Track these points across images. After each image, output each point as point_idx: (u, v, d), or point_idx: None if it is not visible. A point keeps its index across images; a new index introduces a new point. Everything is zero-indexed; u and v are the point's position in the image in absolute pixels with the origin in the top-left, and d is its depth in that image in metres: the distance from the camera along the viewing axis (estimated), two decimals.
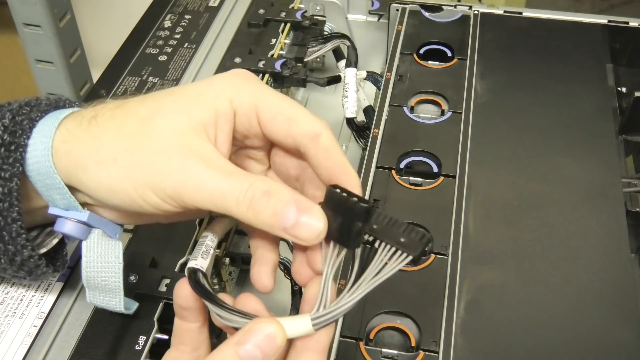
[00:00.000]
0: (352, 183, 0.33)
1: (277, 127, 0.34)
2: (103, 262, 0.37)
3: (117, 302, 0.38)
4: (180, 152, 0.33)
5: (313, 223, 0.31)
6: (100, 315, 0.42)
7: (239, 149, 0.38)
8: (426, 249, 0.33)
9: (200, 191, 0.32)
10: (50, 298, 0.43)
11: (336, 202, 0.32)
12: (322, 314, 0.31)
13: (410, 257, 0.31)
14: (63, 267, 0.41)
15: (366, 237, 0.32)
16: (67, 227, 0.36)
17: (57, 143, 0.34)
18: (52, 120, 0.35)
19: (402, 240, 0.32)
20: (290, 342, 0.32)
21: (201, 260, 0.34)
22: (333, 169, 0.34)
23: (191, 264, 0.34)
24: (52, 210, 0.36)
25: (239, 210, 0.32)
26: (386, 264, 0.32)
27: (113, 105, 0.35)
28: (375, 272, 0.32)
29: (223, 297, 0.33)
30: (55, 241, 0.39)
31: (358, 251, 0.33)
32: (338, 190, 0.32)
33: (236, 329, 0.31)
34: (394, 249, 0.32)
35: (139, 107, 0.35)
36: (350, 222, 0.32)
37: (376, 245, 0.32)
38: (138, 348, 0.40)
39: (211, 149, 0.33)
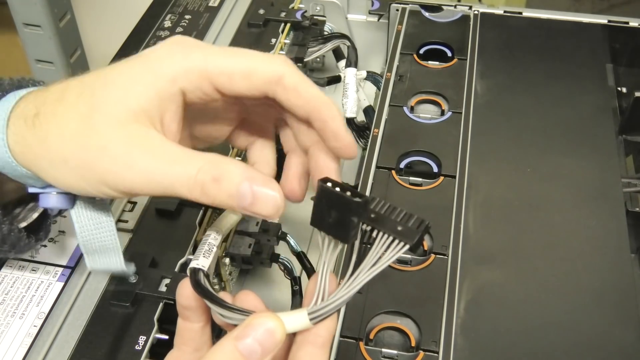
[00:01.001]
0: (330, 115, 0.33)
1: (238, 86, 0.33)
2: (95, 223, 0.37)
3: (117, 260, 0.38)
4: (123, 147, 0.32)
5: (270, 198, 0.31)
6: (100, 315, 0.42)
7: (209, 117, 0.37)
8: (424, 235, 0.32)
9: (150, 183, 0.32)
10: (50, 298, 0.43)
11: (328, 197, 0.31)
12: (319, 307, 0.31)
13: (407, 246, 0.31)
14: (46, 236, 0.42)
15: (363, 226, 0.32)
16: (51, 201, 0.36)
17: (11, 144, 0.34)
18: (4, 109, 0.35)
19: (399, 228, 0.31)
20: (291, 337, 0.32)
21: (203, 259, 0.34)
22: (307, 106, 0.33)
23: (193, 263, 0.34)
24: (31, 190, 0.36)
25: (192, 196, 0.31)
26: (384, 253, 0.31)
27: (53, 98, 0.35)
28: (372, 262, 0.31)
29: (223, 295, 0.33)
30: (35, 215, 0.40)
31: (356, 242, 0.32)
32: (329, 185, 0.31)
33: (235, 326, 0.31)
34: (391, 238, 0.31)
35: (78, 101, 0.34)
36: (344, 216, 0.31)
37: (373, 234, 0.32)
38: (138, 348, 0.40)
39: (154, 136, 0.32)
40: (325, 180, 0.32)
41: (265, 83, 0.33)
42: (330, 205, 0.31)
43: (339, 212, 0.31)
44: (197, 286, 0.33)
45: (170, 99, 0.33)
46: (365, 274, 0.31)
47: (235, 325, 0.31)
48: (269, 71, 0.33)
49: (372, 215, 0.32)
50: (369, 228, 0.32)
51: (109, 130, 0.32)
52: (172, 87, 0.33)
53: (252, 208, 0.31)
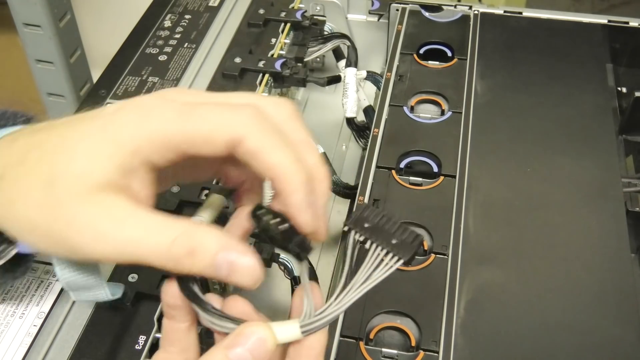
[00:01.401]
0: (290, 188, 0.31)
1: (202, 150, 0.31)
2: (77, 267, 0.36)
3: (103, 293, 0.38)
4: (91, 218, 0.30)
5: (246, 269, 0.30)
6: (100, 315, 0.42)
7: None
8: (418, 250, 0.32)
9: (123, 254, 0.30)
10: (50, 298, 0.43)
11: (263, 228, 0.31)
12: (311, 320, 0.31)
13: (401, 261, 0.31)
14: (23, 273, 0.41)
15: (357, 236, 0.31)
16: (28, 248, 0.35)
17: None
18: None
19: (393, 241, 0.31)
20: (283, 350, 0.32)
21: None
22: (267, 173, 0.31)
23: None
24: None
25: (167, 268, 0.30)
26: (377, 267, 0.31)
27: (14, 160, 0.33)
28: (365, 276, 0.31)
29: (211, 298, 0.32)
30: (13, 252, 0.38)
31: (348, 251, 0.32)
32: (261, 212, 0.31)
33: (225, 334, 0.31)
34: (385, 251, 0.31)
35: (38, 168, 0.32)
36: (284, 243, 0.31)
37: (367, 245, 0.31)
38: (138, 348, 0.40)
39: (123, 204, 0.31)
40: (257, 208, 0.32)
41: (227, 147, 0.31)
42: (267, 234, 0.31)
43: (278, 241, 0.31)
44: (185, 289, 0.32)
45: (136, 170, 0.31)
46: (358, 289, 0.31)
47: (225, 332, 0.31)
48: (229, 134, 0.31)
49: (366, 225, 0.31)
50: (362, 238, 0.31)
51: (74, 203, 0.31)
52: (135, 159, 0.31)
53: (229, 279, 0.30)
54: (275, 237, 0.31)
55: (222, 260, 0.30)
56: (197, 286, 0.32)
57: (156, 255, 0.30)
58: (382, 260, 0.31)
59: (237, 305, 0.33)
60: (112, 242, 0.30)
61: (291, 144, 0.32)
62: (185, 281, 0.32)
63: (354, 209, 0.33)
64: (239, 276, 0.30)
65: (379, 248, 0.31)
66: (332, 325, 0.43)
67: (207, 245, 0.30)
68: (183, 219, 0.31)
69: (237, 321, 0.31)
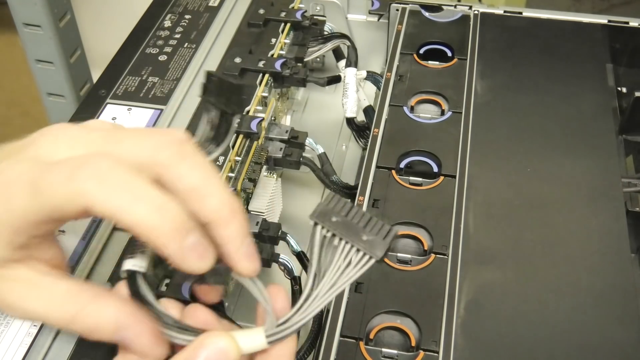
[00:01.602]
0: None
1: (63, 220, 0.31)
2: None
3: None
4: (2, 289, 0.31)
5: (142, 346, 0.30)
6: None
7: None
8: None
9: (39, 319, 0.32)
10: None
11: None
12: (277, 330, 0.29)
13: (373, 260, 0.28)
14: None
15: (324, 232, 0.29)
16: None
17: None
18: None
19: (364, 237, 0.28)
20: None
21: (139, 258, 0.31)
22: (137, 235, 0.29)
23: (127, 264, 0.30)
24: None
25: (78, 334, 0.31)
26: (348, 266, 0.28)
27: None
28: (334, 278, 0.28)
29: (168, 305, 0.31)
30: None
31: (315, 249, 0.29)
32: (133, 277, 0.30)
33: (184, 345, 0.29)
34: (355, 248, 0.28)
35: None
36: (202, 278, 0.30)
37: (335, 242, 0.28)
38: None
39: (26, 276, 0.31)
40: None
41: (84, 213, 0.29)
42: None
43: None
44: (137, 295, 0.30)
45: (27, 243, 0.31)
46: (325, 294, 0.28)
47: (183, 344, 0.30)
48: (75, 205, 0.29)
49: (334, 219, 0.28)
50: (329, 234, 0.28)
51: None
52: (19, 237, 0.31)
53: (129, 350, 0.31)
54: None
55: (119, 338, 0.30)
56: (150, 292, 0.30)
57: (63, 326, 0.31)
58: (352, 259, 0.28)
59: (197, 314, 0.31)
60: (21, 313, 0.31)
61: (166, 190, 0.29)
62: (136, 286, 0.30)
63: (321, 202, 0.29)
64: (137, 352, 0.30)
65: (348, 245, 0.28)
66: (332, 325, 0.43)
67: (104, 325, 0.30)
68: (89, 287, 0.31)
69: (196, 332, 0.29)
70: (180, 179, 0.29)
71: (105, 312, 0.30)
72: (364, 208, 0.50)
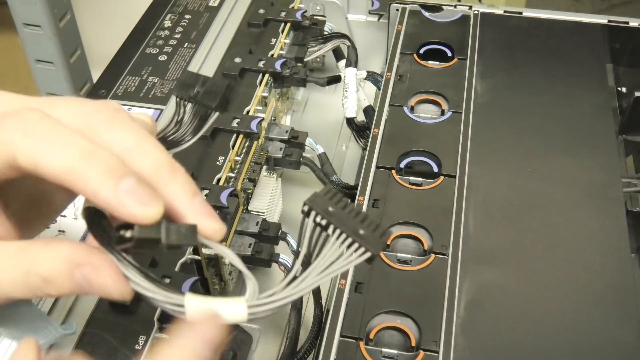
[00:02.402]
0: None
1: None
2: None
3: (54, 335, 0.35)
4: None
5: (106, 283, 0.27)
6: (100, 315, 0.42)
7: None
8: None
9: None
10: (50, 299, 0.43)
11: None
12: (260, 302, 0.28)
13: (369, 254, 0.27)
14: None
15: (319, 219, 0.27)
16: None
17: None
18: None
19: (361, 232, 0.27)
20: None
21: None
22: (66, 185, 0.27)
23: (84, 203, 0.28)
24: None
25: (37, 297, 0.28)
26: (340, 256, 0.27)
27: None
28: (325, 263, 0.27)
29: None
30: None
31: (307, 233, 0.28)
32: (92, 214, 0.28)
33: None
34: (350, 239, 0.27)
35: None
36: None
37: (329, 231, 0.27)
38: (138, 348, 0.40)
39: None
40: (88, 209, 0.28)
41: (11, 169, 0.27)
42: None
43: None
44: (95, 231, 0.27)
45: None
46: (317, 276, 0.27)
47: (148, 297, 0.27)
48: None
49: (330, 209, 0.27)
50: (323, 222, 0.27)
51: None
52: None
53: (96, 294, 0.28)
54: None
55: (79, 280, 0.27)
56: (111, 233, 0.28)
57: (19, 290, 0.28)
58: (346, 249, 0.27)
59: None
60: None
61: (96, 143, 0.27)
62: (93, 221, 0.28)
63: (316, 192, 0.28)
64: (101, 291, 0.27)
65: (344, 235, 0.27)
66: (332, 325, 0.43)
67: (59, 267, 0.27)
68: (40, 239, 0.28)
69: (160, 283, 0.27)
70: (113, 142, 0.28)
71: (58, 253, 0.27)
72: (364, 208, 0.50)
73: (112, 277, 0.27)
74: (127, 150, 0.28)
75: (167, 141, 0.33)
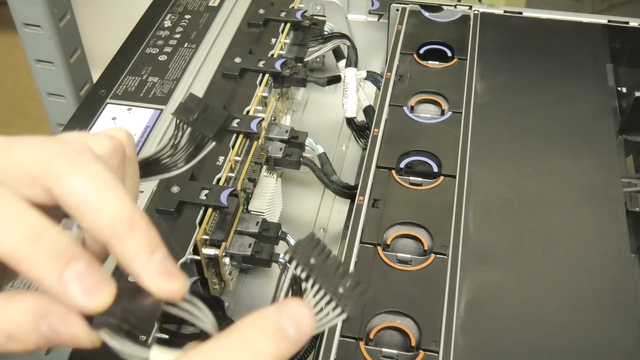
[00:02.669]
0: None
1: None
2: None
3: None
4: None
5: (73, 334, 0.26)
6: None
7: None
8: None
9: None
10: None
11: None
12: None
13: (345, 315, 0.26)
14: None
15: (299, 270, 0.26)
16: None
17: None
18: None
19: (340, 290, 0.26)
20: None
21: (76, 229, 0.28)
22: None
23: None
24: None
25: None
26: (317, 314, 0.26)
27: None
28: None
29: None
30: None
31: (285, 285, 0.27)
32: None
33: None
34: (328, 297, 0.26)
35: None
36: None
37: (308, 284, 0.26)
38: None
39: None
40: None
41: None
42: None
43: None
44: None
45: None
46: None
47: None
48: None
49: (312, 261, 0.26)
50: (304, 275, 0.26)
51: None
52: None
53: (62, 343, 0.26)
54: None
55: (45, 331, 0.26)
56: None
57: None
58: (324, 307, 0.26)
59: None
60: None
61: None
62: None
63: (300, 240, 0.27)
64: (71, 340, 0.26)
65: (322, 292, 0.26)
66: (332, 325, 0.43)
67: (23, 319, 0.26)
68: (2, 293, 0.27)
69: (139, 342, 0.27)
70: (71, 192, 0.26)
71: (21, 306, 0.26)
72: (364, 208, 0.50)
73: (80, 324, 0.26)
74: (83, 202, 0.26)
75: (160, 164, 0.33)
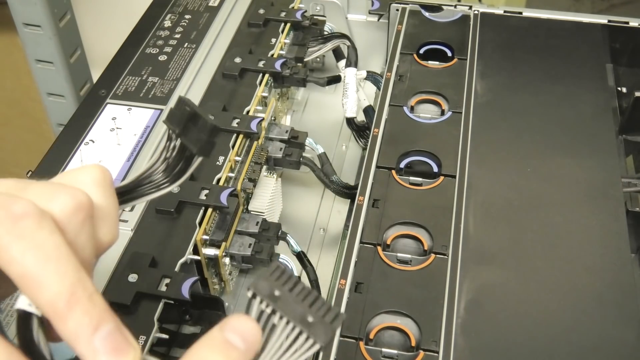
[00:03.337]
0: None
1: None
2: None
3: None
4: None
5: None
6: None
7: None
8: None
9: None
10: None
11: None
12: None
13: (317, 346, 0.25)
14: None
15: (264, 306, 0.25)
16: None
17: None
18: None
19: (309, 319, 0.25)
20: None
21: None
22: None
23: (21, 303, 0.25)
24: None
25: None
26: (288, 349, 0.25)
27: None
28: (274, 356, 0.25)
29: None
30: None
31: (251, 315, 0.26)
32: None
33: None
34: (297, 330, 0.25)
35: None
36: None
37: (275, 320, 0.25)
38: None
39: None
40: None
41: None
42: None
43: None
44: (27, 344, 0.24)
45: None
46: None
47: None
48: None
49: (277, 293, 0.25)
50: (269, 309, 0.25)
51: None
52: None
53: None
54: None
55: None
56: (46, 344, 0.25)
57: None
58: (293, 342, 0.25)
59: None
60: None
61: None
62: (28, 332, 0.25)
63: (263, 270, 0.26)
64: None
65: (290, 325, 0.25)
66: None
67: None
68: None
69: None
70: (10, 264, 0.25)
71: None
72: (364, 208, 0.50)
73: None
74: (23, 277, 0.25)
75: (152, 182, 0.32)
